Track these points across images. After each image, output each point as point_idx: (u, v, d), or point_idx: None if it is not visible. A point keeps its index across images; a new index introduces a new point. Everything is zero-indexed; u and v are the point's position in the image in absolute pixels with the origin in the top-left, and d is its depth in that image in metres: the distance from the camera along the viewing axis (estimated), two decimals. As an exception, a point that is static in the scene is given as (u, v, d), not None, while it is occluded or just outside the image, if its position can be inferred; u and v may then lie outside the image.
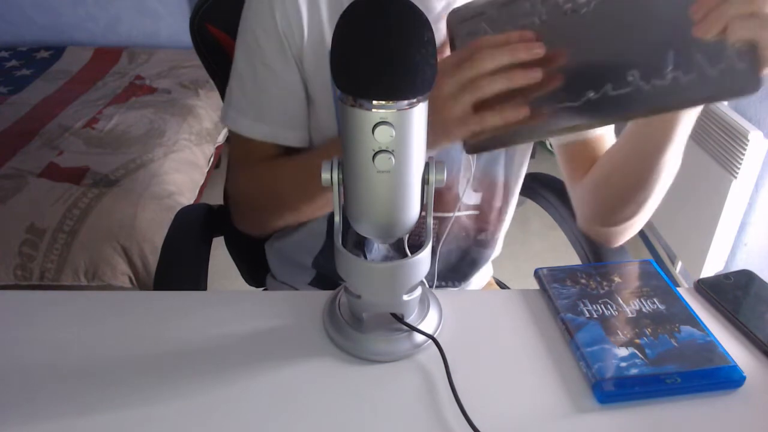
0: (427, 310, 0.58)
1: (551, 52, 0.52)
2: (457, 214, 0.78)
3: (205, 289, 0.77)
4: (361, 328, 0.56)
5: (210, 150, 2.08)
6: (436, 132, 0.54)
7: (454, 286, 0.87)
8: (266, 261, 0.93)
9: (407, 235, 0.56)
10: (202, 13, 0.84)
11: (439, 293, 0.62)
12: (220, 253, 0.97)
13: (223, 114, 0.75)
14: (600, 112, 0.52)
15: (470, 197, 0.78)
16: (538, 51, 0.52)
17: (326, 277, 0.86)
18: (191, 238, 0.84)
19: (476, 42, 0.53)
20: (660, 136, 0.59)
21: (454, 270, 0.85)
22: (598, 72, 0.52)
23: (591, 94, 0.51)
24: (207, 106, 2.22)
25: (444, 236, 0.78)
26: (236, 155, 0.78)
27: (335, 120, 0.71)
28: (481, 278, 0.94)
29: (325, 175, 0.50)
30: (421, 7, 0.44)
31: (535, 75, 0.52)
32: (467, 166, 0.75)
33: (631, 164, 0.65)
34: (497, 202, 0.80)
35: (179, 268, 0.79)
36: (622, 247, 0.80)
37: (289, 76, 0.70)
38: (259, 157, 0.74)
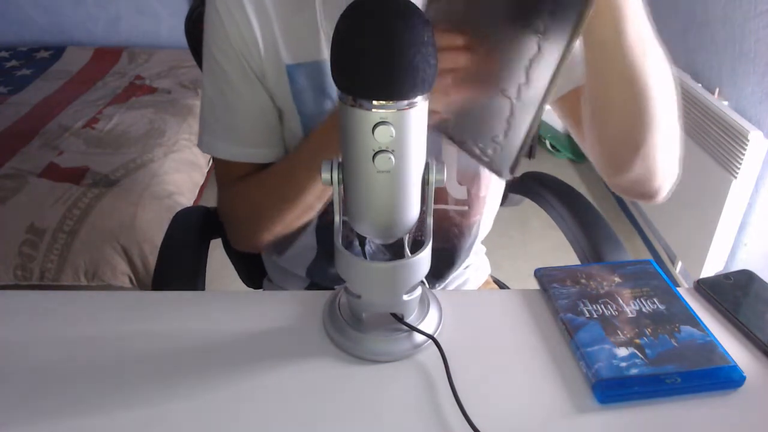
0: (427, 310, 0.58)
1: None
2: (440, 206, 0.78)
3: (202, 290, 0.77)
4: (361, 328, 0.56)
5: (210, 150, 2.08)
6: None
7: (448, 273, 0.88)
8: (263, 265, 0.94)
9: (407, 235, 0.56)
10: (197, 15, 0.84)
11: (439, 293, 0.62)
12: (218, 255, 0.97)
13: (199, 139, 0.76)
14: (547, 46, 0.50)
15: (457, 191, 0.78)
16: (465, 61, 0.52)
17: (320, 285, 0.87)
18: (189, 240, 0.85)
19: None
20: (605, 35, 0.53)
21: (446, 263, 0.85)
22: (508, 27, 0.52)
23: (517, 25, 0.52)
24: (207, 106, 2.21)
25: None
26: (220, 177, 0.79)
27: (301, 129, 0.72)
28: (478, 275, 0.94)
29: (326, 175, 0.50)
30: None
31: (450, 98, 0.53)
32: (451, 163, 0.76)
33: (604, 80, 0.58)
34: (482, 192, 0.80)
35: (177, 269, 0.79)
36: (621, 247, 0.80)
37: (256, 95, 0.70)
38: (240, 176, 0.75)
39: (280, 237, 0.76)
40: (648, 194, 0.69)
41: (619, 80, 0.57)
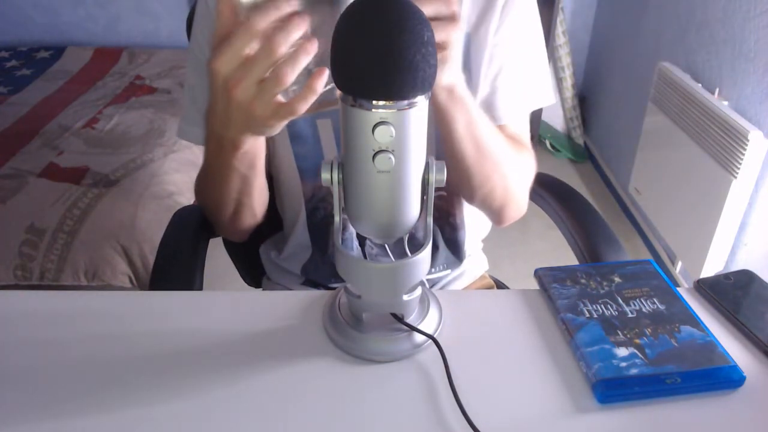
0: (427, 310, 0.58)
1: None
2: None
3: (200, 289, 0.77)
4: (361, 328, 0.56)
5: (210, 150, 2.08)
6: (254, 129, 0.56)
7: (446, 268, 0.88)
8: (262, 263, 0.95)
9: (407, 235, 0.56)
10: None
11: (439, 293, 0.62)
12: (219, 254, 0.97)
13: (178, 128, 0.79)
14: None
15: None
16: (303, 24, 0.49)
17: (315, 282, 0.88)
18: (187, 238, 0.85)
19: (255, 24, 0.48)
20: (443, 126, 0.65)
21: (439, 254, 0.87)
22: None
23: None
24: (207, 106, 2.22)
25: None
26: None
27: None
28: (474, 270, 0.94)
29: (325, 175, 0.50)
30: None
31: (314, 47, 0.49)
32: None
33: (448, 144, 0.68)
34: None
35: (175, 268, 0.79)
36: (620, 247, 0.80)
37: None
38: None
39: (244, 221, 0.77)
40: (493, 220, 0.84)
41: (450, 157, 0.69)
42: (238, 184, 0.68)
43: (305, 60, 0.49)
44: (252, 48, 0.49)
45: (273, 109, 0.52)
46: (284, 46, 0.48)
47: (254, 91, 0.50)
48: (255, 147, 0.63)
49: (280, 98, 0.52)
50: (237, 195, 0.71)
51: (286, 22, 0.48)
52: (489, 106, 0.77)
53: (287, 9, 0.48)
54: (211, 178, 0.71)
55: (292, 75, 0.49)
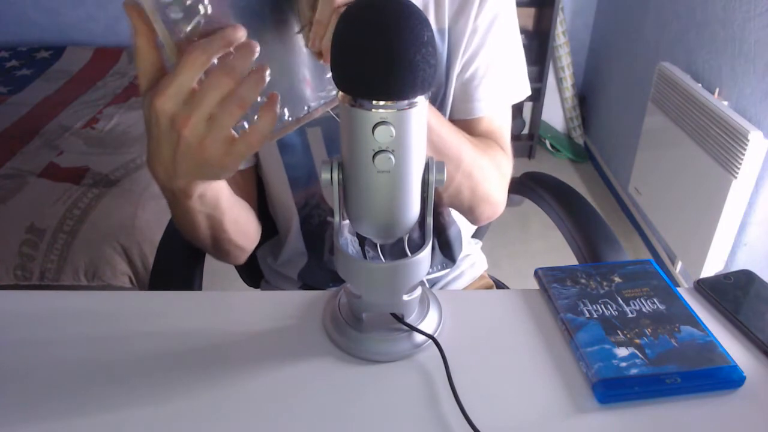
0: (427, 310, 0.58)
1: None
2: None
3: (199, 289, 0.77)
4: (361, 328, 0.56)
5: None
6: (205, 174, 0.51)
7: (444, 267, 0.88)
8: (260, 267, 0.95)
9: (407, 236, 0.56)
10: None
11: (439, 293, 0.62)
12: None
13: None
14: None
15: None
16: (256, 48, 0.46)
17: (312, 287, 0.88)
18: (186, 240, 0.85)
19: (194, 58, 0.44)
20: None
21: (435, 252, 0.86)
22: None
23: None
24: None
25: None
26: None
27: None
28: (473, 270, 0.94)
29: (325, 175, 0.50)
30: None
31: (266, 71, 0.46)
32: None
33: None
34: None
35: (175, 268, 0.79)
36: (620, 247, 0.80)
37: None
38: None
39: (230, 254, 0.74)
40: (468, 219, 0.81)
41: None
42: (205, 223, 0.64)
43: (261, 85, 0.46)
44: (199, 80, 0.45)
45: (227, 148, 0.47)
46: (238, 73, 0.44)
47: (204, 128, 0.46)
48: (211, 188, 0.59)
49: (233, 134, 0.48)
50: (209, 232, 0.67)
51: (237, 48, 0.45)
52: (466, 98, 0.76)
53: (236, 38, 0.45)
54: (176, 220, 0.66)
55: (249, 102, 0.45)
